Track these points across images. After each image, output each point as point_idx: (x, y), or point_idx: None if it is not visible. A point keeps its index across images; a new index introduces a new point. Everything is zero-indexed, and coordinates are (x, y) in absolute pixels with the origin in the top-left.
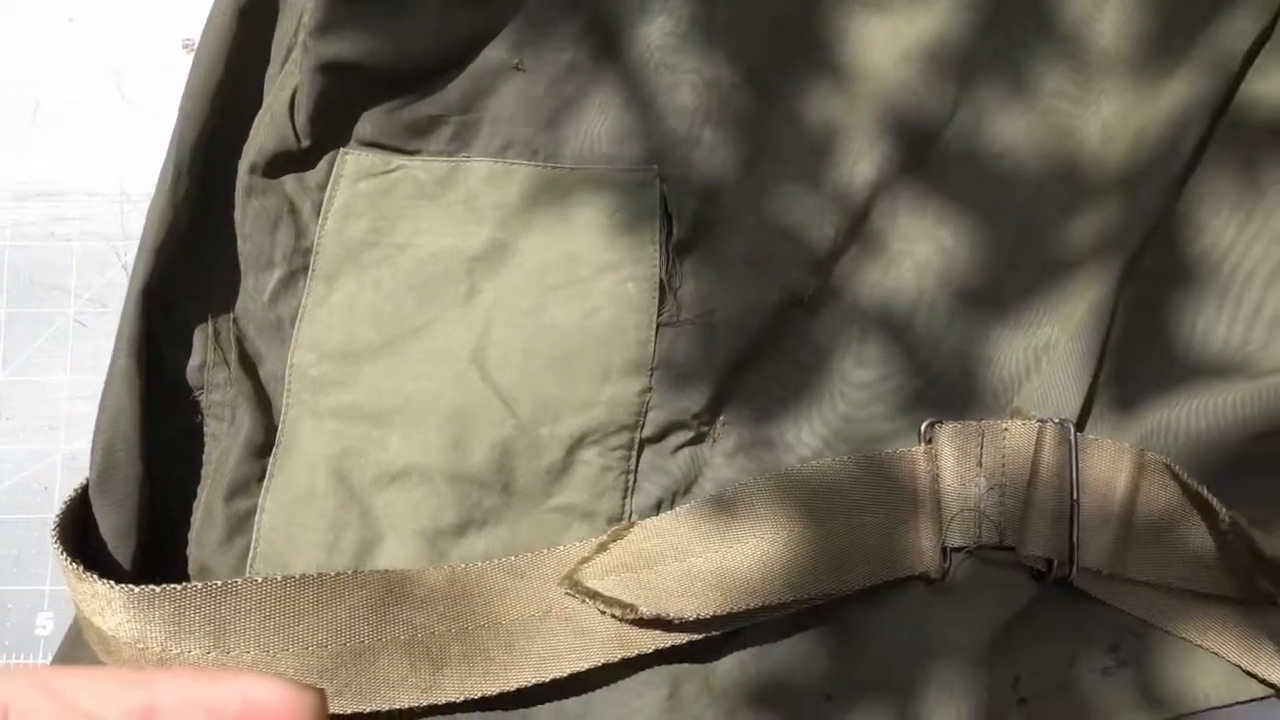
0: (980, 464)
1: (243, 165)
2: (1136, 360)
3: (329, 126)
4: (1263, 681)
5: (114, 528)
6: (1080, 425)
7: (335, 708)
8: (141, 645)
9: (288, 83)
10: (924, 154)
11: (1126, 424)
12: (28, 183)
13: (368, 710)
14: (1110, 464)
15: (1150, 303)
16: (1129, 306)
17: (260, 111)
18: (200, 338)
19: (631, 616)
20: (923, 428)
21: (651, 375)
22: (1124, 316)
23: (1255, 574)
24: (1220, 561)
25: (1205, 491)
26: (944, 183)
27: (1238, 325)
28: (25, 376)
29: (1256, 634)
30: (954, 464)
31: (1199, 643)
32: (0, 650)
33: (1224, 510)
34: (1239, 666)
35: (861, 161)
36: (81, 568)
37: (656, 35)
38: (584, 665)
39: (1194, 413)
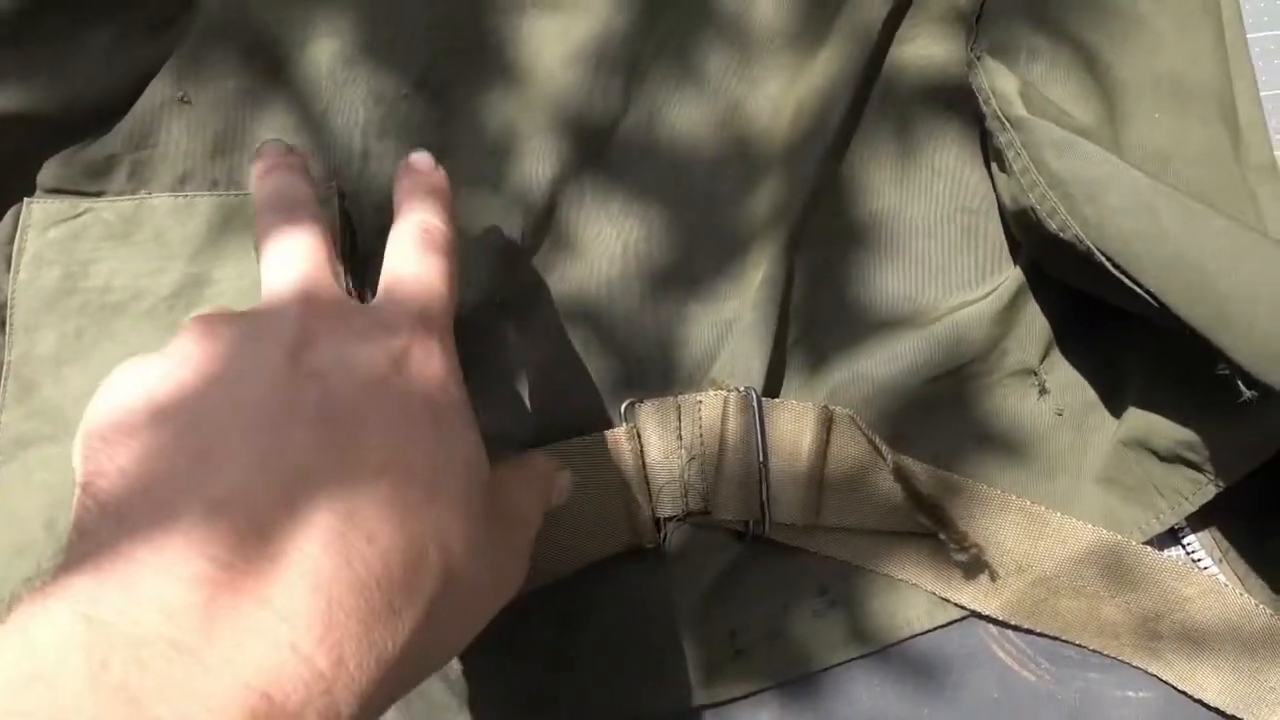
0: (680, 437)
1: None
2: (821, 320)
3: (8, 180)
4: (956, 605)
5: None
6: (775, 388)
7: None
8: None
9: None
10: (602, 148)
11: (817, 380)
12: None
13: None
14: (795, 423)
15: (828, 264)
16: (808, 270)
17: None
18: None
19: None
20: (623, 408)
21: None
22: (804, 280)
23: (917, 512)
24: (906, 501)
25: (876, 438)
26: (626, 173)
27: (906, 278)
28: None
29: (947, 562)
30: (656, 440)
31: (899, 577)
32: None
33: (890, 454)
34: (935, 594)
35: (541, 162)
36: None
37: (326, 56)
38: None
39: (877, 363)
